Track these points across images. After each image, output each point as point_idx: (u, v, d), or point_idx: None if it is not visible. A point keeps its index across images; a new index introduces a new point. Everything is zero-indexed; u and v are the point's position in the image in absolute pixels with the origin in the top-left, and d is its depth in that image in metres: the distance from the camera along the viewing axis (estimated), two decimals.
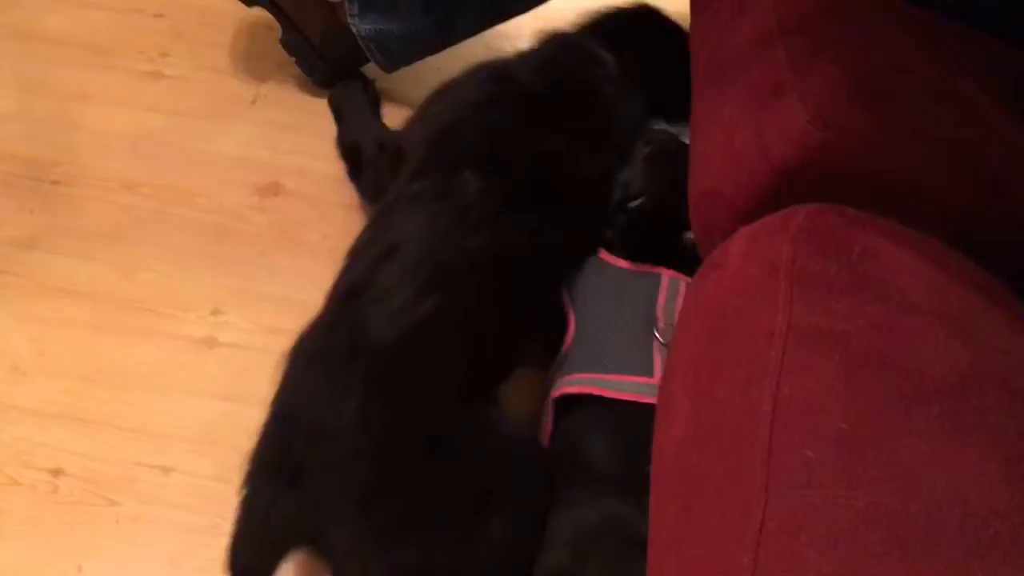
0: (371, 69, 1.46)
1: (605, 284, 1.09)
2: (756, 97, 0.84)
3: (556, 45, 1.29)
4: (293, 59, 1.47)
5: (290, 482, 0.96)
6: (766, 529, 0.59)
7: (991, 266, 0.75)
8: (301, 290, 1.26)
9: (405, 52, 1.42)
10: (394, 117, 1.49)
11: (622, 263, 1.09)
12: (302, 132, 1.46)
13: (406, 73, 1.46)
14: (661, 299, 1.04)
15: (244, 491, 1.00)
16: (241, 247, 1.33)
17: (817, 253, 0.70)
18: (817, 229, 0.72)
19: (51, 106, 1.46)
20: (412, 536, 0.93)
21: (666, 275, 1.07)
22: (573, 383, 1.02)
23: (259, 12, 1.46)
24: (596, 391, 0.99)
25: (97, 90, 1.48)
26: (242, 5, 1.45)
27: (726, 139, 0.86)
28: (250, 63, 1.53)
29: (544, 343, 1.12)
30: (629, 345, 1.02)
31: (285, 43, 1.45)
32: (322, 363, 1.02)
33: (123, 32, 1.55)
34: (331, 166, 1.42)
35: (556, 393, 1.03)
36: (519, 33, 1.60)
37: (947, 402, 0.62)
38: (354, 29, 1.37)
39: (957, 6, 0.86)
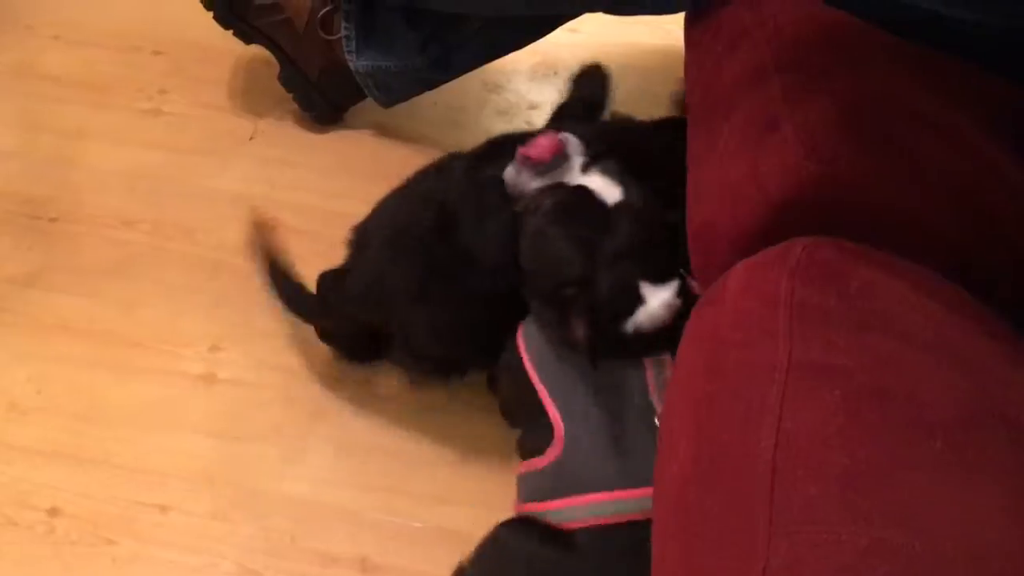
0: (368, 104, 1.47)
1: (578, 376, 1.01)
2: (751, 130, 0.85)
3: None
4: (291, 95, 1.48)
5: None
6: (769, 568, 0.58)
7: (985, 300, 0.75)
8: (301, 326, 1.26)
9: (402, 88, 1.43)
10: (391, 151, 1.50)
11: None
12: (300, 168, 1.47)
13: (403, 108, 1.47)
14: (651, 382, 0.98)
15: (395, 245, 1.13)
16: (240, 283, 1.32)
17: (816, 286, 0.70)
18: (815, 262, 0.72)
19: (50, 144, 1.47)
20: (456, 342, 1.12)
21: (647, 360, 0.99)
22: (525, 509, 1.02)
23: (257, 49, 1.47)
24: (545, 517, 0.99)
25: (96, 128, 1.49)
26: (240, 42, 1.46)
27: (722, 172, 0.87)
28: (248, 99, 1.54)
29: None
30: (602, 447, 0.97)
31: (283, 79, 1.46)
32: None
33: (122, 70, 1.56)
34: (331, 202, 1.42)
35: (517, 508, 1.04)
36: (515, 68, 1.62)
37: (950, 436, 0.61)
38: (352, 66, 1.38)
39: (948, 40, 0.86)
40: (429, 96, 1.48)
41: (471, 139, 1.52)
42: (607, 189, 1.00)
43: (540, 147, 1.04)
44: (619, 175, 1.02)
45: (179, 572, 1.10)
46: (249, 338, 1.28)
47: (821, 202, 0.79)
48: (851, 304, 0.69)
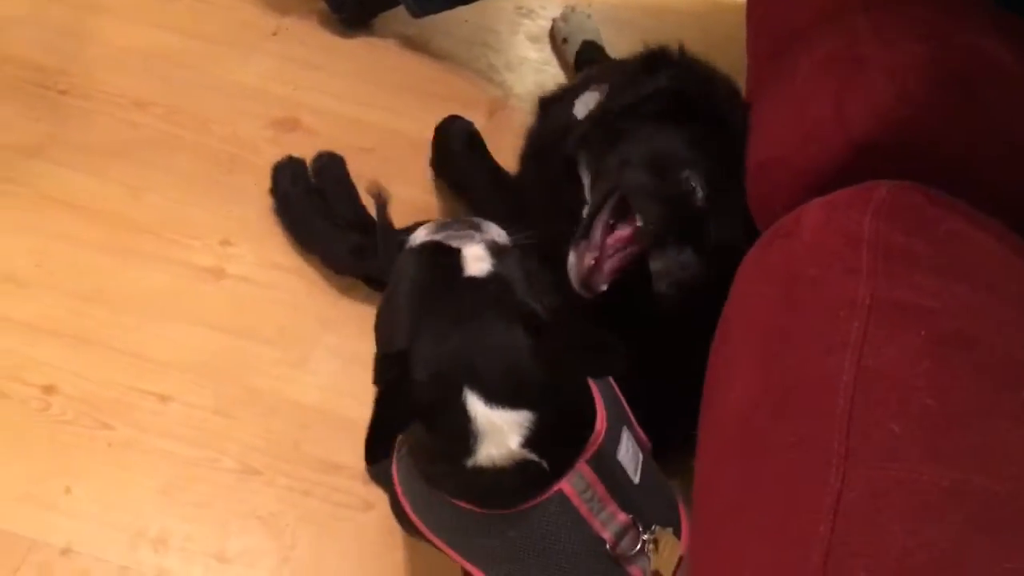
0: (398, 12, 1.42)
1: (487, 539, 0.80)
2: (834, 66, 0.82)
3: None
4: None
5: None
6: (844, 499, 0.57)
7: None
8: None
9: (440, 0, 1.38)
10: (417, 64, 1.45)
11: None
12: (323, 71, 1.42)
13: (433, 22, 1.42)
14: (584, 511, 0.77)
15: None
16: (254, 179, 1.27)
17: (901, 228, 0.68)
18: (900, 204, 0.70)
19: (64, 14, 1.39)
20: None
21: (565, 486, 0.77)
22: None
23: None
24: None
25: (113, 2, 1.42)
26: None
27: (798, 108, 0.84)
28: None
29: None
30: None
31: None
32: None
33: None
34: (351, 108, 1.38)
35: None
36: None
37: None
38: None
39: None
40: (461, 13, 1.44)
41: (500, 60, 1.49)
42: (477, 260, 0.78)
43: None
44: (506, 259, 0.80)
45: (177, 463, 1.06)
46: (261, 237, 1.24)
47: (903, 146, 0.77)
48: (938, 249, 0.67)
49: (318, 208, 1.23)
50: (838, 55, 0.83)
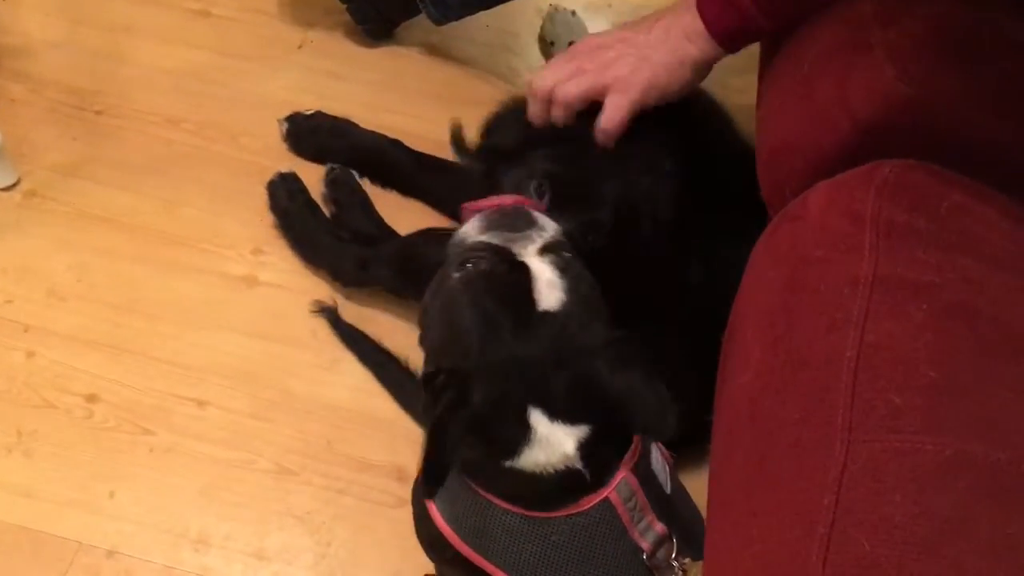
0: (419, 21, 1.44)
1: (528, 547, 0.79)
2: (839, 51, 0.83)
3: None
4: (344, 6, 1.45)
5: None
6: (848, 472, 0.58)
7: None
8: None
9: (459, 6, 1.40)
10: (440, 70, 1.48)
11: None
12: (348, 81, 1.45)
13: (454, 28, 1.45)
14: (626, 519, 0.77)
15: None
16: None
17: (904, 206, 0.69)
18: (903, 183, 0.71)
19: (98, 37, 1.44)
20: None
21: (612, 493, 0.77)
22: None
23: None
24: None
25: (144, 24, 1.47)
26: None
27: (805, 93, 0.85)
28: (297, 8, 1.51)
29: None
30: None
31: None
32: None
33: None
34: (377, 116, 1.40)
35: None
36: None
37: None
38: None
39: None
40: (482, 18, 1.46)
41: (522, 64, 1.52)
42: (550, 287, 0.77)
43: (499, 199, 0.84)
44: (575, 278, 0.79)
45: (216, 466, 1.10)
46: None
47: (909, 126, 0.77)
48: (940, 225, 0.68)
49: (320, 221, 1.26)
50: (844, 39, 0.83)
